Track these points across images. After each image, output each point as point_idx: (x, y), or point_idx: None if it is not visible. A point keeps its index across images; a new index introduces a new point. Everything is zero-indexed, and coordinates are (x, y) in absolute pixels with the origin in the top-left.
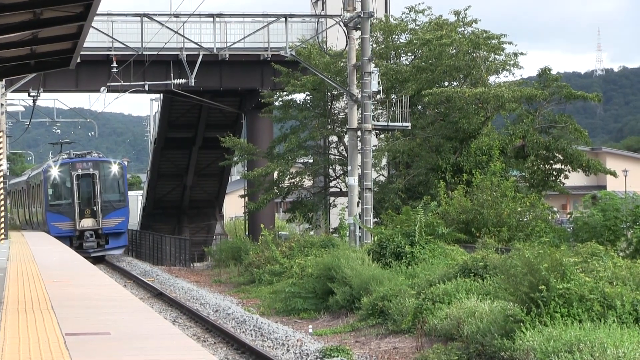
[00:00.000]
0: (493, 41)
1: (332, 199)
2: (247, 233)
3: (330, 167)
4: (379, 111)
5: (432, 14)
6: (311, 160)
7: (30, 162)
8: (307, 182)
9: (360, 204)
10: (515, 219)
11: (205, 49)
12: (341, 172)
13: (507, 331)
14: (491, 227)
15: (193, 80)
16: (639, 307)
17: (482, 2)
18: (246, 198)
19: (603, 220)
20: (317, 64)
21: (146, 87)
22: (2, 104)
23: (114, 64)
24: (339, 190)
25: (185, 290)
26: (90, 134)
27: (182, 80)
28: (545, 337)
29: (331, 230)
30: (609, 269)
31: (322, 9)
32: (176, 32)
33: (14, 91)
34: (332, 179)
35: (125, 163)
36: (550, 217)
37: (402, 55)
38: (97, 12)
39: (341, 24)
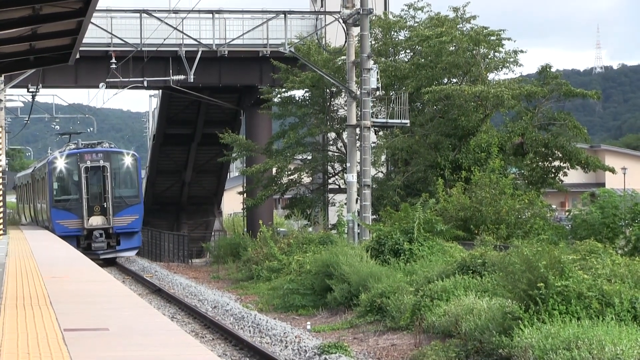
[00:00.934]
0: (492, 38)
1: (330, 195)
2: (245, 229)
3: (329, 163)
4: (378, 108)
5: (431, 11)
6: (310, 157)
7: (29, 158)
8: (306, 179)
9: (358, 201)
10: (514, 217)
11: (204, 45)
12: (340, 169)
13: (505, 328)
14: (490, 225)
15: (192, 77)
16: (637, 305)
17: None
18: (245, 194)
19: (602, 217)
20: (316, 60)
21: (145, 83)
22: (1, 100)
23: (113, 60)
24: (337, 187)
25: (184, 287)
26: (89, 130)
27: (181, 77)
28: (543, 334)
29: (329, 227)
30: (607, 267)
31: (322, 6)
32: (175, 29)
33: (13, 87)
34: (330, 175)
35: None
36: (548, 215)
37: (401, 52)
38: (97, 8)
39: (340, 20)
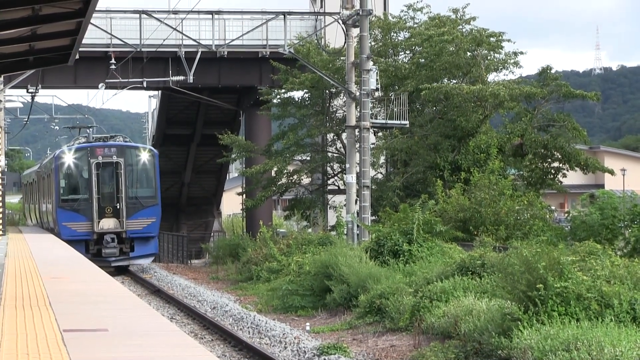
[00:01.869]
0: (492, 39)
1: (330, 196)
2: (244, 230)
3: (328, 164)
4: (377, 109)
5: (430, 12)
6: (309, 158)
7: (28, 159)
8: (305, 180)
9: (358, 202)
10: (513, 218)
11: (204, 46)
12: (339, 170)
13: (505, 329)
14: (489, 226)
15: (191, 77)
16: (637, 306)
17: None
18: (244, 195)
19: (601, 219)
20: (315, 61)
21: (144, 84)
22: (0, 100)
23: (113, 61)
24: (337, 187)
25: (183, 287)
26: (87, 131)
27: (181, 77)
28: (542, 335)
29: (329, 228)
30: (606, 268)
31: (321, 7)
32: (175, 29)
33: (12, 87)
34: (330, 176)
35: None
36: (548, 216)
37: (401, 52)
38: (96, 9)
39: (340, 21)
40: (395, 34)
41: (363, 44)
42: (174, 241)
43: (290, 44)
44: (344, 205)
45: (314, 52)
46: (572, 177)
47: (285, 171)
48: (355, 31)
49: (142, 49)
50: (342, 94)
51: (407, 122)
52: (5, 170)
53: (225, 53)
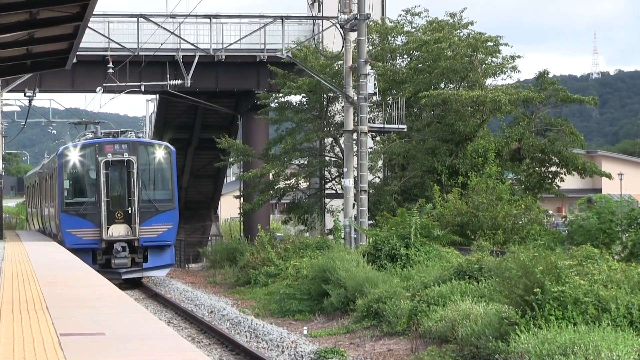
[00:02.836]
0: (489, 44)
1: (327, 201)
2: (242, 234)
3: (326, 169)
4: (375, 113)
5: (428, 16)
6: (307, 162)
7: (25, 162)
8: (303, 184)
9: (355, 206)
10: (511, 222)
11: (202, 50)
12: (337, 174)
13: (502, 334)
14: (486, 230)
15: (189, 81)
16: (634, 311)
17: (480, 4)
18: (241, 199)
19: (598, 223)
20: (313, 65)
21: (142, 88)
22: None
23: (110, 65)
24: (334, 192)
25: (180, 291)
26: (96, 126)
27: (178, 81)
28: (539, 339)
29: (326, 232)
30: (603, 272)
31: (319, 11)
32: (172, 33)
33: (9, 91)
34: (327, 180)
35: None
36: (545, 220)
37: (398, 57)
38: (94, 13)
39: (337, 25)
40: (393, 39)
41: (361, 48)
42: None
43: (288, 48)
44: (342, 209)
45: (312, 56)
46: (570, 182)
47: (282, 175)
48: (353, 35)
49: (140, 53)
50: (339, 98)
51: (404, 126)
52: (3, 174)
53: (223, 57)
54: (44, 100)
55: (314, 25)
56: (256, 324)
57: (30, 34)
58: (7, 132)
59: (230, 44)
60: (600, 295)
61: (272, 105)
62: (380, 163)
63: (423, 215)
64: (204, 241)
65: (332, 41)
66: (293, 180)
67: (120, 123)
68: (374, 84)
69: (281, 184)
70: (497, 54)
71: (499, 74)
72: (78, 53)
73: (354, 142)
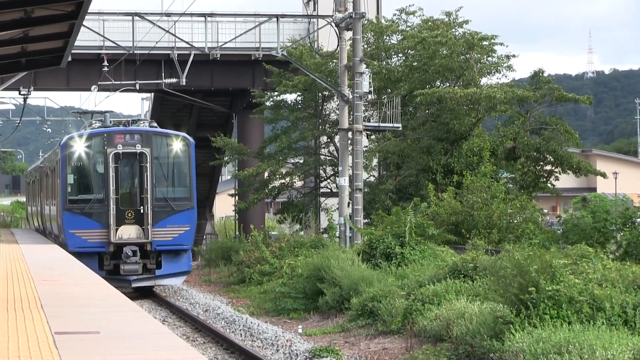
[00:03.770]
0: (485, 43)
1: (322, 199)
2: (237, 233)
3: (321, 167)
4: (370, 112)
5: (423, 15)
6: (302, 161)
7: (20, 161)
8: (298, 183)
9: (350, 205)
10: (506, 221)
11: (197, 49)
12: (332, 173)
13: (497, 332)
14: (481, 229)
15: (184, 80)
16: (628, 310)
17: (475, 3)
18: (236, 197)
19: (593, 222)
20: (308, 64)
21: (137, 86)
22: None
23: (105, 63)
24: (329, 190)
25: (175, 290)
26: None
27: (173, 80)
28: (534, 338)
29: (321, 230)
30: (598, 271)
31: (314, 10)
32: (167, 32)
33: (4, 89)
34: (322, 179)
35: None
36: (540, 219)
37: (393, 55)
38: (89, 11)
39: (333, 24)
40: (387, 37)
41: (356, 47)
42: None
43: (283, 46)
44: (337, 208)
45: (307, 55)
46: (565, 181)
47: (277, 174)
48: (348, 34)
49: (135, 51)
50: (335, 97)
51: (399, 125)
52: None
53: (218, 56)
54: (39, 98)
55: (309, 24)
56: (251, 322)
57: (25, 32)
58: (1, 131)
59: (226, 43)
60: (595, 294)
61: (267, 103)
62: (375, 162)
63: (418, 214)
64: (198, 240)
65: (327, 40)
66: (288, 179)
67: None
68: (369, 83)
69: (276, 183)
70: (493, 53)
71: (494, 73)
72: (73, 51)
73: (349, 140)
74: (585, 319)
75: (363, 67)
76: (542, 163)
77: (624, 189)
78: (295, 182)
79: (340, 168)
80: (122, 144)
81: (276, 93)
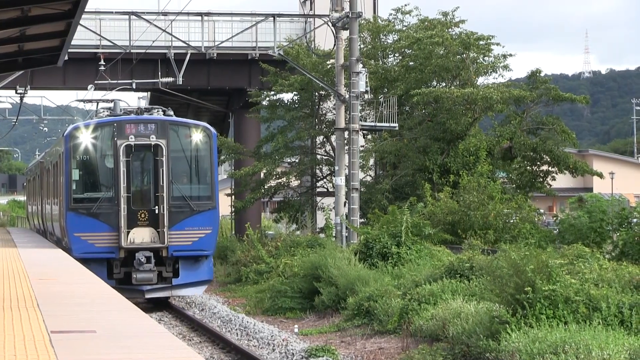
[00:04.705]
0: (481, 42)
1: (319, 199)
2: (233, 232)
3: (318, 167)
4: (367, 111)
5: (419, 14)
6: (298, 160)
7: (16, 160)
8: (294, 182)
9: (347, 204)
10: (502, 221)
11: (193, 48)
12: (328, 172)
13: (493, 332)
14: (477, 229)
15: (181, 79)
16: (624, 310)
17: (471, 3)
18: (233, 197)
19: (589, 222)
20: (305, 63)
21: (134, 85)
22: None
23: (102, 62)
24: (325, 190)
25: None
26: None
27: (170, 79)
28: (530, 338)
29: (317, 230)
30: (594, 271)
31: (311, 9)
32: (164, 31)
33: (1, 88)
34: (319, 179)
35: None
36: (536, 219)
37: (390, 55)
38: (85, 10)
39: (329, 24)
40: (384, 37)
41: (352, 46)
42: None
43: (279, 46)
44: (333, 207)
45: (304, 54)
46: (561, 181)
47: (274, 173)
48: (344, 34)
49: (132, 50)
50: (331, 97)
51: (396, 124)
52: None
53: (215, 55)
54: (36, 97)
55: (305, 23)
56: (247, 322)
57: (21, 31)
58: None
59: (222, 42)
60: (591, 294)
61: (264, 103)
62: (371, 161)
63: (414, 213)
64: None
65: (323, 39)
66: (284, 179)
67: None
68: (366, 82)
69: (272, 182)
70: (489, 53)
71: (490, 72)
72: (69, 50)
73: (346, 140)
74: (582, 319)
75: (360, 67)
76: (538, 163)
77: (620, 189)
78: (291, 181)
79: (336, 167)
80: (134, 134)
81: (272, 92)
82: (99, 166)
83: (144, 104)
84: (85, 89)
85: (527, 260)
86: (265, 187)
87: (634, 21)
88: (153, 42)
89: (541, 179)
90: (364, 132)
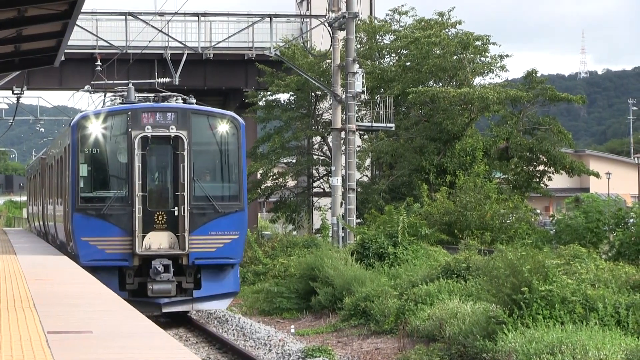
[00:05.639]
0: (478, 42)
1: (315, 199)
2: None
3: (314, 167)
4: (363, 112)
5: (416, 15)
6: (294, 161)
7: (13, 160)
8: (291, 183)
9: (343, 205)
10: (498, 221)
11: (190, 48)
12: (325, 173)
13: (489, 332)
14: (474, 229)
15: (177, 79)
16: (621, 310)
17: (468, 3)
18: None
19: (586, 222)
20: (301, 64)
21: (130, 86)
22: None
23: (98, 62)
24: (322, 190)
25: None
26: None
27: (166, 79)
28: (527, 338)
29: (314, 230)
30: (591, 271)
31: (307, 9)
32: (160, 31)
33: None
34: (315, 179)
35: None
36: (533, 219)
37: (386, 56)
38: (82, 10)
39: (326, 24)
40: (380, 37)
41: (349, 46)
42: None
43: (276, 46)
44: (330, 207)
45: (300, 54)
46: (557, 181)
47: (270, 174)
48: (341, 34)
49: (128, 51)
50: (328, 97)
51: (392, 125)
52: None
53: (211, 55)
54: (32, 97)
55: (302, 23)
56: (244, 322)
57: (18, 31)
58: None
59: (219, 42)
60: (588, 294)
61: (260, 103)
62: (368, 161)
63: (411, 214)
64: None
65: (320, 40)
66: (281, 179)
67: None
68: (362, 83)
69: (269, 183)
70: (486, 53)
71: (487, 73)
72: (66, 51)
73: (342, 140)
74: (578, 319)
75: (356, 67)
76: (535, 163)
77: (617, 189)
78: (287, 182)
79: (333, 168)
80: (151, 125)
81: (269, 93)
82: (110, 161)
83: None
84: (82, 89)
85: (523, 260)
86: (262, 187)
87: (630, 21)
88: (149, 42)
89: (537, 179)
90: (360, 132)
